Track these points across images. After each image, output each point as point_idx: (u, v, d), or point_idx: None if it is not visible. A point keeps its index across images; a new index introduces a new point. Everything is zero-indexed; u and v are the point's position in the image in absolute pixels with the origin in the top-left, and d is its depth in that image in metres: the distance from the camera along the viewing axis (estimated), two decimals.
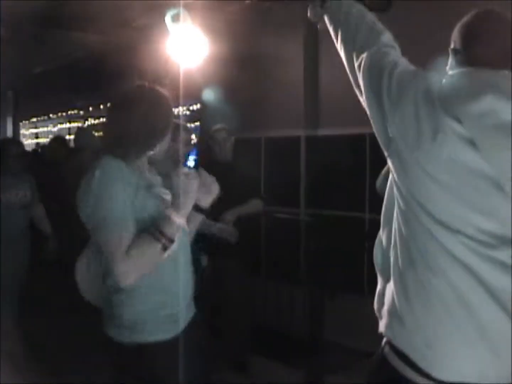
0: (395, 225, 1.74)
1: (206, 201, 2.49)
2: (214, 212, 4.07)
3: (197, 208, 2.45)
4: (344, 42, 1.99)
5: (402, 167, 1.67)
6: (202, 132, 7.19)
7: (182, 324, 2.43)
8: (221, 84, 6.36)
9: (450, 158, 1.56)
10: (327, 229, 5.58)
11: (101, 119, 9.70)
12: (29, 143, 12.65)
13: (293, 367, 4.41)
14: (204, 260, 4.40)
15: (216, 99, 6.56)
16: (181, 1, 4.40)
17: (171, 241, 2.21)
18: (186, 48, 5.32)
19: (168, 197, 2.37)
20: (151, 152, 2.44)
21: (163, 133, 2.44)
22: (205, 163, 5.16)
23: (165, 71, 5.47)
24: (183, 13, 4.25)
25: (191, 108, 7.76)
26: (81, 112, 10.88)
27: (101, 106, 9.86)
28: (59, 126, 11.96)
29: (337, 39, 2.05)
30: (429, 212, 1.61)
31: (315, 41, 5.96)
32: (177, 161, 4.22)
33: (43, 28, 6.88)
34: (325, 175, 5.70)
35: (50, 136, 9.83)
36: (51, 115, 12.20)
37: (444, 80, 1.72)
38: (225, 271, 4.60)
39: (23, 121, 13.70)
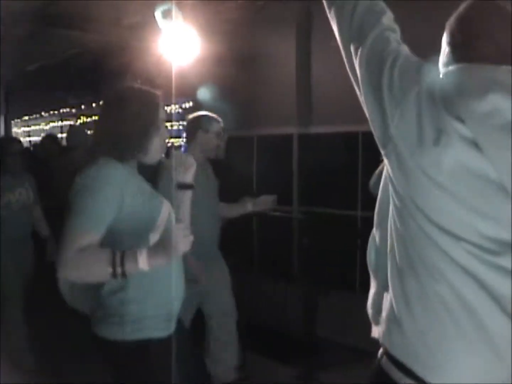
0: (391, 226, 1.64)
1: (187, 177, 2.53)
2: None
3: (183, 185, 2.50)
4: (340, 21, 1.77)
5: (402, 169, 1.55)
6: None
7: (174, 323, 2.47)
8: (213, 82, 6.36)
9: (454, 162, 1.47)
10: (319, 227, 5.58)
11: (94, 117, 9.68)
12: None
13: (287, 365, 4.42)
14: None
15: (209, 97, 6.56)
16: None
17: (124, 275, 2.15)
18: (178, 46, 5.31)
19: (171, 210, 2.40)
20: (144, 156, 2.45)
21: (152, 133, 2.45)
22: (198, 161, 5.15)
23: (158, 69, 5.46)
24: (174, 10, 4.23)
25: (183, 106, 7.76)
26: (74, 110, 10.85)
27: (94, 104, 9.85)
28: (51, 124, 11.93)
29: (333, 19, 1.82)
30: (430, 217, 1.52)
31: (308, 39, 5.96)
32: (212, 151, 4.25)
33: (35, 26, 6.86)
34: (318, 173, 5.71)
35: (42, 134, 9.81)
36: (43, 113, 12.17)
37: (443, 76, 1.61)
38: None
39: (15, 120, 13.66)
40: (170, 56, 5.29)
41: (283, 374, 4.45)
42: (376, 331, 1.73)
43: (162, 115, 2.53)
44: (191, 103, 7.57)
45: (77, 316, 2.56)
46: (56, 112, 11.59)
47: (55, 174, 5.84)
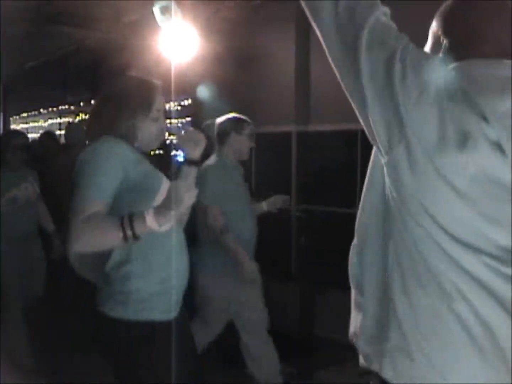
0: (393, 243, 1.44)
1: (196, 153, 2.54)
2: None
3: (190, 161, 2.51)
4: (323, 13, 1.49)
5: (414, 173, 1.34)
6: (193, 127, 7.18)
7: (175, 310, 2.49)
8: (212, 80, 6.35)
9: (478, 167, 1.31)
10: (318, 225, 5.58)
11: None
12: None
13: (285, 363, 4.41)
14: None
15: (208, 94, 6.56)
16: None
17: (136, 237, 2.18)
18: (177, 44, 5.31)
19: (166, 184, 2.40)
20: (134, 141, 2.49)
21: (141, 118, 2.49)
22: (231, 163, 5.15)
23: (157, 67, 5.46)
24: (173, 8, 4.23)
25: (182, 103, 7.75)
26: (72, 107, 10.83)
27: (92, 101, 9.83)
28: (50, 121, 11.90)
29: (313, 13, 1.53)
30: (443, 226, 1.34)
31: (307, 37, 5.95)
32: (246, 153, 4.25)
33: (34, 23, 6.85)
34: (316, 171, 5.71)
35: (41, 131, 9.80)
36: (41, 110, 12.15)
37: (457, 73, 1.42)
38: None
39: (14, 116, 13.64)
40: (169, 53, 5.29)
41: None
42: (366, 360, 1.54)
43: (159, 105, 2.56)
44: (190, 101, 7.57)
45: (78, 315, 2.58)
46: (54, 109, 11.57)
47: (53, 171, 5.83)
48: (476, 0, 1.51)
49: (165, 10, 4.26)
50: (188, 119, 7.61)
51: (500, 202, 1.33)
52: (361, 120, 1.50)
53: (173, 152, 7.02)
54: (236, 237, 3.98)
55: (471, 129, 1.30)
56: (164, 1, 4.22)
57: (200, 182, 3.92)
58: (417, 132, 1.33)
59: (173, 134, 7.55)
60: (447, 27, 1.55)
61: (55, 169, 5.81)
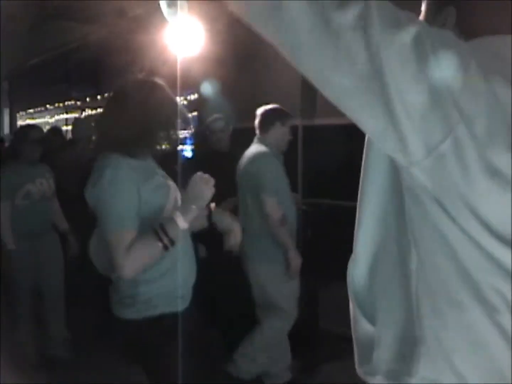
0: (417, 260, 1.15)
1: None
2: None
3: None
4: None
5: (463, 172, 1.05)
6: (199, 122, 7.18)
7: (187, 300, 2.56)
8: (218, 74, 6.35)
9: None
10: (324, 218, 5.58)
11: (99, 110, 9.69)
12: None
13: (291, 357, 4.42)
14: (202, 251, 4.41)
15: (214, 88, 6.55)
16: None
17: (173, 242, 2.29)
18: (183, 38, 5.30)
19: (177, 194, 2.43)
20: (159, 146, 2.49)
21: (166, 125, 2.48)
22: (202, 153, 5.15)
23: (162, 61, 5.46)
24: (180, 1, 4.23)
25: (188, 98, 7.75)
26: (78, 103, 10.86)
27: (98, 97, 9.85)
28: (56, 117, 11.93)
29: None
30: (495, 232, 1.08)
31: None
32: (286, 145, 4.25)
33: (38, 18, 6.86)
34: (322, 165, 5.70)
35: (47, 127, 9.83)
36: (48, 106, 12.18)
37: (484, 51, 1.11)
38: (222, 261, 4.60)
39: (20, 112, 13.67)
40: (175, 47, 5.28)
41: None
42: None
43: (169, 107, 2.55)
44: (196, 95, 7.57)
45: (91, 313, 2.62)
46: (61, 104, 11.60)
47: (59, 166, 5.84)
48: None
49: (172, 4, 4.26)
50: (195, 113, 7.60)
51: None
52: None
53: (180, 147, 7.03)
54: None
55: None
56: None
57: (254, 170, 3.98)
58: (468, 122, 1.03)
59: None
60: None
61: (62, 164, 5.82)
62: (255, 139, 4.23)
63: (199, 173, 2.41)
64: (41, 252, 4.79)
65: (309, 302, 5.31)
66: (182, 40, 5.25)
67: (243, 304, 4.50)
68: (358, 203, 1.32)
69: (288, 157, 5.87)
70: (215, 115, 5.07)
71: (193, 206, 2.31)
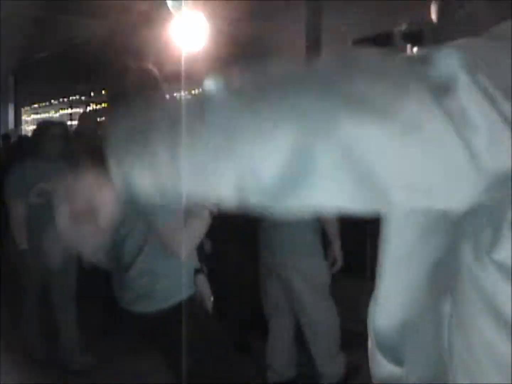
0: (451, 299, 1.02)
1: None
2: None
3: None
4: None
5: None
6: None
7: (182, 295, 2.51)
8: (222, 68, 6.35)
9: None
10: None
11: (103, 104, 9.70)
12: (30, 129, 12.66)
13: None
14: (208, 245, 4.41)
15: (218, 83, 6.55)
16: None
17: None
18: (187, 32, 5.30)
19: None
20: None
21: None
22: None
23: (167, 55, 5.47)
24: None
25: (193, 92, 7.75)
26: (83, 98, 10.87)
27: (103, 91, 9.85)
28: (61, 111, 11.95)
29: None
30: None
31: (318, 23, 5.94)
32: None
33: (44, 13, 6.86)
34: None
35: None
36: (52, 101, 12.19)
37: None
38: (227, 256, 4.61)
39: (25, 107, 13.69)
40: (179, 42, 5.28)
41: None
42: None
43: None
44: (200, 90, 7.56)
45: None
46: (65, 99, 11.61)
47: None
48: None
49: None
50: None
51: None
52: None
53: None
54: None
55: None
56: None
57: None
58: None
59: None
60: None
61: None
62: None
63: None
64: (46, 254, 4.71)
65: None
66: (187, 34, 5.25)
67: (250, 301, 4.51)
68: (380, 247, 1.16)
69: None
70: None
71: None
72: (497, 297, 0.96)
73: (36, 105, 13.02)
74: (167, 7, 4.36)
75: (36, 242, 4.40)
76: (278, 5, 6.02)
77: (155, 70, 2.57)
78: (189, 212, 2.35)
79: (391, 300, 1.17)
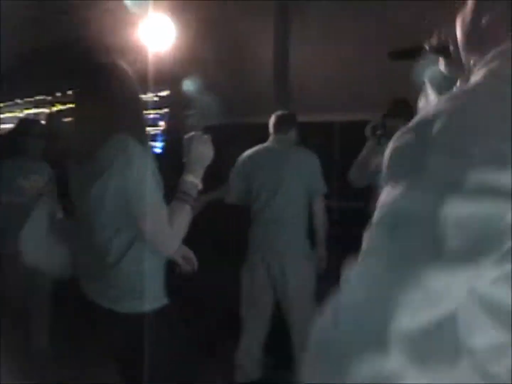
0: None
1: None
2: None
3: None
4: None
5: None
6: (171, 119, 7.13)
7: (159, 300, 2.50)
8: (190, 70, 6.30)
9: None
10: None
11: (69, 105, 9.58)
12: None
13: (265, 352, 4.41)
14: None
15: (186, 85, 6.51)
16: None
17: (195, 200, 2.44)
18: (154, 33, 5.26)
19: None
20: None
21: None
22: (174, 149, 5.11)
23: (134, 57, 5.41)
24: None
25: (159, 94, 7.69)
26: (49, 98, 10.73)
27: (69, 92, 9.74)
28: (26, 111, 11.79)
29: None
30: None
31: (286, 24, 5.93)
32: None
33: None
34: None
35: (15, 121, 9.68)
36: (17, 101, 12.03)
37: None
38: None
39: None
40: (146, 43, 5.24)
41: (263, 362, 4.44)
42: None
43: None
44: (167, 91, 7.51)
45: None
46: (30, 99, 11.46)
47: None
48: None
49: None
50: (166, 110, 7.55)
51: None
52: None
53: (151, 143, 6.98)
54: None
55: None
56: None
57: (316, 169, 4.23)
58: None
59: (150, 126, 7.49)
60: None
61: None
62: (275, 139, 4.28)
63: (194, 134, 2.49)
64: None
65: None
66: (154, 35, 5.20)
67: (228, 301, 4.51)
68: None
69: None
70: (188, 112, 5.03)
71: (199, 166, 2.44)
72: None
73: (0, 104, 12.84)
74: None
75: (12, 244, 4.35)
76: (247, 7, 6.00)
77: (126, 66, 2.53)
78: (172, 208, 2.37)
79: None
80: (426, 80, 1.42)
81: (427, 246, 0.79)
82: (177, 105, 6.69)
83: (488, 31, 0.99)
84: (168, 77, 6.59)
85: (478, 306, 0.85)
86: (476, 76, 0.94)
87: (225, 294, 4.47)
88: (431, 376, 0.80)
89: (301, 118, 5.06)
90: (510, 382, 0.86)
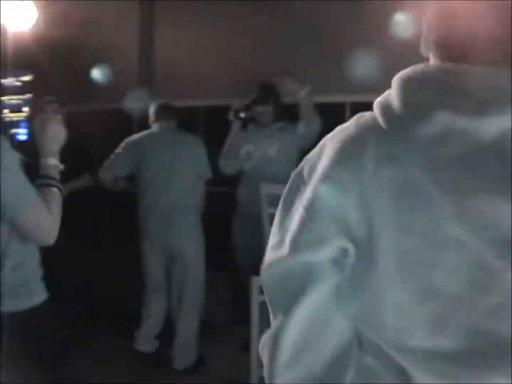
0: None
1: None
2: None
3: None
4: None
5: None
6: (34, 105, 6.91)
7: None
8: (54, 52, 6.13)
9: None
10: None
11: None
12: None
13: None
14: None
15: (49, 68, 6.32)
16: None
17: (59, 181, 2.34)
18: (14, 14, 5.08)
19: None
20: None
21: None
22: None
23: None
24: None
25: (22, 79, 7.43)
26: None
27: None
28: None
29: None
30: None
31: (151, 9, 5.91)
32: None
33: None
34: None
35: None
36: None
37: None
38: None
39: None
40: (5, 25, 5.04)
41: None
42: None
43: None
44: (30, 77, 7.28)
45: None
46: None
47: None
48: None
49: None
50: (29, 95, 7.31)
51: None
52: None
53: (14, 130, 6.76)
54: None
55: None
56: None
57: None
58: None
59: (13, 112, 7.25)
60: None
61: None
62: (160, 126, 4.37)
63: (46, 114, 2.48)
64: None
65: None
66: (13, 17, 5.03)
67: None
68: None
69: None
70: (49, 97, 4.90)
71: (56, 147, 2.37)
72: None
73: None
74: None
75: None
76: None
77: None
78: (43, 197, 2.29)
79: None
80: None
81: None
82: (40, 90, 6.49)
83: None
84: (31, 61, 6.39)
85: None
86: None
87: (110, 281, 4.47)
88: None
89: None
90: None
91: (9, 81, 7.29)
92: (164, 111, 4.38)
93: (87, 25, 6.08)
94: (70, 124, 4.75)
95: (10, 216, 2.23)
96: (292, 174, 1.05)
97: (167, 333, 4.33)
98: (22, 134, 6.98)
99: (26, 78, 7.37)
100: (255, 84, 4.49)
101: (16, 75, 7.33)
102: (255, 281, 3.65)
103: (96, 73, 6.11)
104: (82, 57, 6.02)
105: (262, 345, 1.05)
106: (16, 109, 7.50)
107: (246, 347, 3.81)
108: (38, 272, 2.40)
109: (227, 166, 4.49)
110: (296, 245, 0.99)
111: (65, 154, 3.45)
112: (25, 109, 7.36)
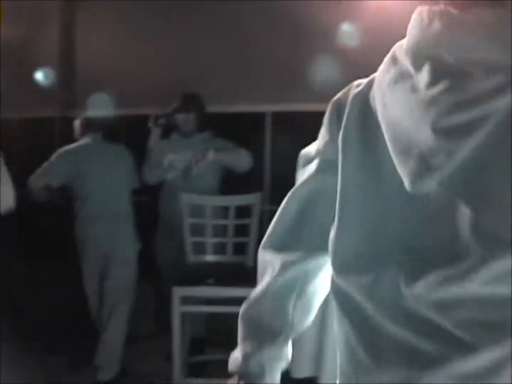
0: None
1: None
2: None
3: None
4: None
5: None
6: None
7: None
8: None
9: None
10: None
11: None
12: None
13: None
14: None
15: None
16: None
17: None
18: None
19: None
20: None
21: None
22: None
23: None
24: None
25: None
26: None
27: None
28: None
29: None
30: None
31: (72, 15, 5.82)
32: None
33: None
34: None
35: None
36: None
37: None
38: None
39: None
40: None
41: None
42: None
43: None
44: None
45: None
46: None
47: None
48: None
49: None
50: None
51: None
52: None
53: None
54: None
55: None
56: None
57: None
58: None
59: None
60: None
61: None
62: (90, 137, 4.42)
63: None
64: None
65: None
66: None
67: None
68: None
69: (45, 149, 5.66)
70: None
71: None
72: None
73: None
74: None
75: None
76: None
77: None
78: None
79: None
80: None
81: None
82: None
83: None
84: None
85: None
86: None
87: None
88: None
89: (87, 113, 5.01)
90: None
91: None
92: (92, 124, 4.46)
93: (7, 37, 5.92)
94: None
95: None
96: None
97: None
98: None
99: None
100: (180, 93, 4.48)
101: None
102: (176, 292, 3.66)
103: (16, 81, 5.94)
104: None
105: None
106: None
107: (169, 357, 3.81)
108: None
109: (150, 176, 4.47)
110: None
111: None
112: None
